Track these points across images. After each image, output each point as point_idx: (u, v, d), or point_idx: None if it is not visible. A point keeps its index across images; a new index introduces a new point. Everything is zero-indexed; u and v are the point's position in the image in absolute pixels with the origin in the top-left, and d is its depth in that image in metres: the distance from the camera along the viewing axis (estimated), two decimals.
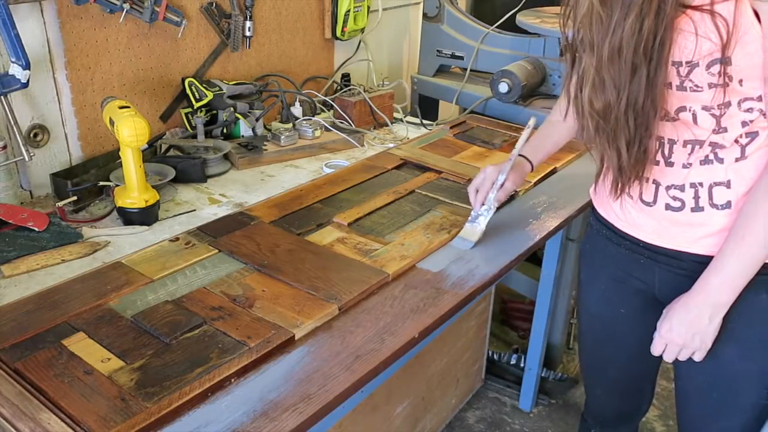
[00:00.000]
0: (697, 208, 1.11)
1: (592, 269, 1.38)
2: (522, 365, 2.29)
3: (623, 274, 1.28)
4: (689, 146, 1.08)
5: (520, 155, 1.41)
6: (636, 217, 1.20)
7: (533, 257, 1.71)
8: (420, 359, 1.85)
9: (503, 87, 2.05)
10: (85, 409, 0.88)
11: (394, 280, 1.24)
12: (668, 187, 1.13)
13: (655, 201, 1.15)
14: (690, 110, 1.04)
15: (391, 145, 1.97)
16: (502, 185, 1.37)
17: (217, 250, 1.30)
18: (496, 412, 2.29)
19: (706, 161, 1.08)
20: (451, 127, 2.05)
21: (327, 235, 1.39)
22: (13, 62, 1.39)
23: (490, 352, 2.38)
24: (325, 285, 1.19)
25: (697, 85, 1.01)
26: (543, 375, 2.31)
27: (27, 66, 1.40)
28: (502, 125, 2.10)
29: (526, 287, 2.37)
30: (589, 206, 1.37)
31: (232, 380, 0.96)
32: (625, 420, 1.55)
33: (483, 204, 1.38)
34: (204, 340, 1.03)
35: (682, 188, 1.11)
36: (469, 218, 1.40)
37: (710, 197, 1.10)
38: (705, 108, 1.03)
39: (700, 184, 1.10)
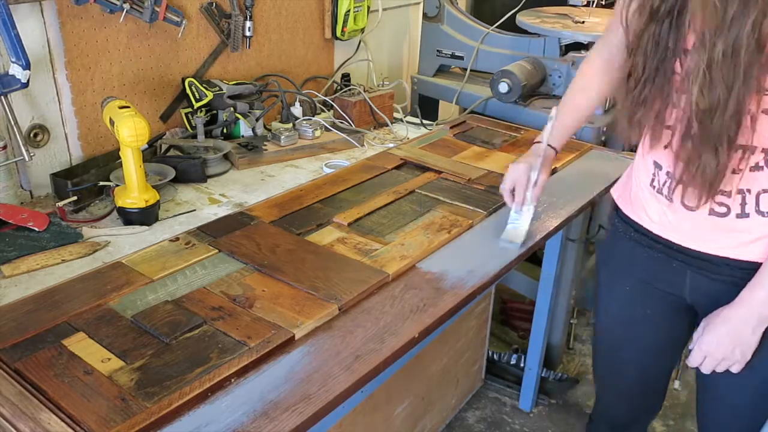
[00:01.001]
0: (742, 215, 1.09)
1: (615, 271, 1.36)
2: (522, 365, 2.29)
3: (650, 277, 1.27)
4: (741, 151, 1.03)
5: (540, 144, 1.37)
6: (673, 220, 1.17)
7: (533, 257, 1.72)
8: (420, 359, 1.85)
9: (503, 87, 2.05)
10: (85, 409, 0.88)
11: (394, 280, 1.24)
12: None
13: (698, 206, 1.11)
14: (749, 113, 0.99)
15: (391, 145, 1.97)
16: (536, 183, 1.35)
17: (217, 250, 1.30)
18: (496, 412, 2.29)
19: (756, 168, 1.05)
20: (451, 127, 2.05)
21: (327, 235, 1.39)
22: (13, 62, 1.39)
23: (490, 352, 2.38)
24: (325, 285, 1.19)
25: (766, 89, 0.97)
26: (543, 375, 2.31)
27: (27, 66, 1.40)
28: (502, 125, 2.10)
29: (526, 287, 2.37)
30: (610, 207, 1.37)
31: (232, 380, 0.96)
32: (637, 421, 1.55)
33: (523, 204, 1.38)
34: (204, 340, 1.03)
35: (729, 194, 1.08)
36: (509, 220, 1.39)
37: (757, 203, 1.08)
38: (765, 111, 0.99)
39: (748, 191, 1.07)
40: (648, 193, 1.21)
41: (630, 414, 1.52)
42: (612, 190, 1.37)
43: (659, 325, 1.32)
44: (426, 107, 2.44)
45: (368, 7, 2.31)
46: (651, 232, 1.23)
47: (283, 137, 1.87)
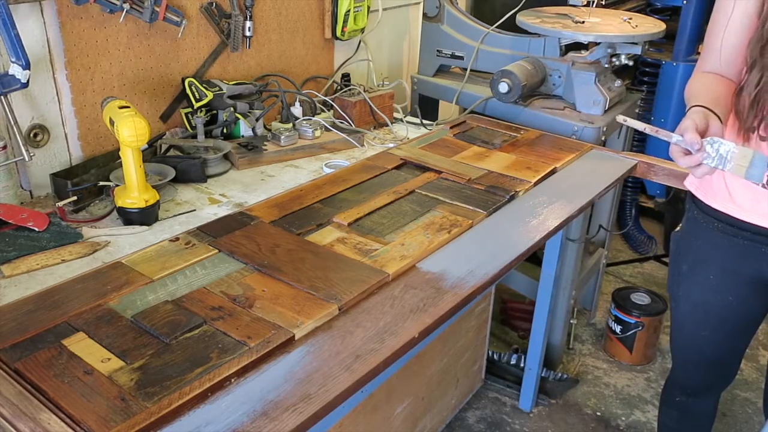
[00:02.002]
0: None
1: (698, 260, 1.48)
2: (522, 365, 2.29)
3: (734, 264, 1.40)
4: None
5: (699, 106, 1.20)
6: (766, 206, 1.31)
7: (533, 257, 1.72)
8: (420, 359, 1.85)
9: (503, 87, 2.05)
10: (85, 409, 0.88)
11: (394, 280, 1.24)
12: None
13: None
14: None
15: (391, 145, 1.97)
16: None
17: (217, 250, 1.30)
18: (496, 412, 2.29)
19: None
20: (451, 127, 2.05)
21: (327, 235, 1.39)
22: (13, 62, 1.39)
23: (490, 352, 2.38)
24: (325, 285, 1.19)
25: None
26: (543, 375, 2.31)
27: (27, 66, 1.40)
28: (502, 125, 2.10)
29: (526, 287, 2.37)
30: (687, 200, 1.49)
31: (232, 380, 0.96)
32: (710, 389, 1.66)
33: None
34: (204, 340, 1.03)
35: None
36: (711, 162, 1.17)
37: None
38: None
39: None
40: (738, 183, 1.33)
41: (705, 383, 1.64)
42: (687, 183, 1.49)
43: (740, 309, 1.45)
44: (426, 107, 2.44)
45: (368, 7, 2.31)
46: (739, 220, 1.35)
47: (283, 137, 1.87)
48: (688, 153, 1.17)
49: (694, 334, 1.57)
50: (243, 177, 1.74)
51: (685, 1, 2.73)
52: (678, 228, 1.57)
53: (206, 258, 1.27)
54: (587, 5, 2.23)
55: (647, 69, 2.95)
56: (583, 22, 2.14)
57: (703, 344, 1.56)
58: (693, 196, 1.48)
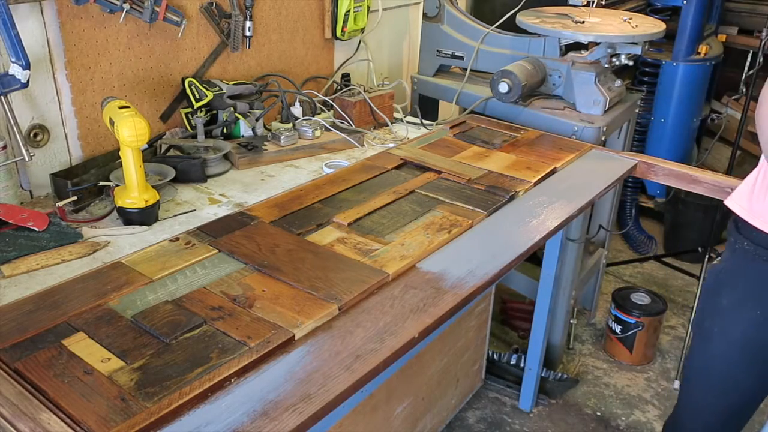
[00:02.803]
0: None
1: (745, 295, 1.35)
2: (522, 365, 2.29)
3: None
4: None
5: None
6: None
7: (533, 257, 1.72)
8: (420, 359, 1.85)
9: (503, 87, 2.05)
10: (85, 409, 0.88)
11: (394, 280, 1.24)
12: None
13: None
14: None
15: (391, 145, 1.97)
16: None
17: (217, 250, 1.30)
18: (496, 412, 2.29)
19: None
20: (451, 127, 2.05)
21: (327, 235, 1.39)
22: (13, 62, 1.39)
23: (490, 352, 2.38)
24: (325, 285, 1.19)
25: None
26: (543, 375, 2.31)
27: (27, 66, 1.40)
28: (502, 125, 2.10)
29: (526, 287, 2.37)
30: (731, 226, 1.34)
31: (232, 380, 0.96)
32: None
33: None
34: (204, 340, 1.03)
35: None
36: None
37: None
38: None
39: None
40: None
41: (714, 429, 1.51)
42: (734, 206, 1.35)
43: None
44: (426, 107, 2.44)
45: (368, 7, 2.31)
46: None
47: (283, 137, 1.87)
48: None
49: (725, 375, 1.42)
50: (243, 177, 1.74)
51: (685, 1, 2.73)
52: (716, 261, 1.43)
53: (206, 258, 1.27)
54: (587, 5, 2.23)
55: (647, 69, 2.95)
56: (583, 22, 2.14)
57: (731, 388, 1.42)
58: (739, 226, 1.35)
